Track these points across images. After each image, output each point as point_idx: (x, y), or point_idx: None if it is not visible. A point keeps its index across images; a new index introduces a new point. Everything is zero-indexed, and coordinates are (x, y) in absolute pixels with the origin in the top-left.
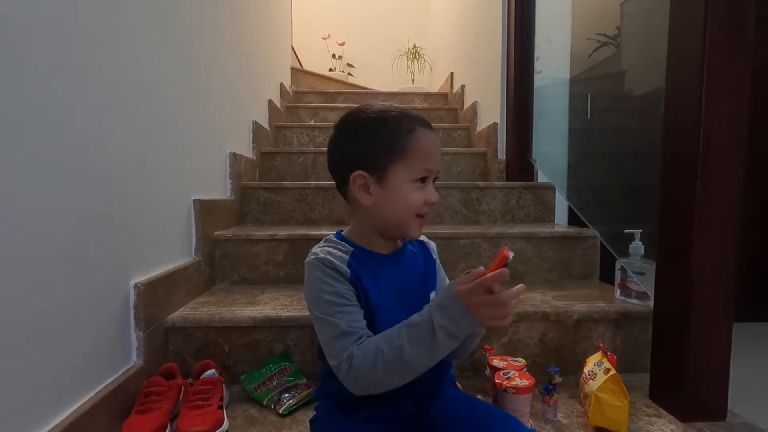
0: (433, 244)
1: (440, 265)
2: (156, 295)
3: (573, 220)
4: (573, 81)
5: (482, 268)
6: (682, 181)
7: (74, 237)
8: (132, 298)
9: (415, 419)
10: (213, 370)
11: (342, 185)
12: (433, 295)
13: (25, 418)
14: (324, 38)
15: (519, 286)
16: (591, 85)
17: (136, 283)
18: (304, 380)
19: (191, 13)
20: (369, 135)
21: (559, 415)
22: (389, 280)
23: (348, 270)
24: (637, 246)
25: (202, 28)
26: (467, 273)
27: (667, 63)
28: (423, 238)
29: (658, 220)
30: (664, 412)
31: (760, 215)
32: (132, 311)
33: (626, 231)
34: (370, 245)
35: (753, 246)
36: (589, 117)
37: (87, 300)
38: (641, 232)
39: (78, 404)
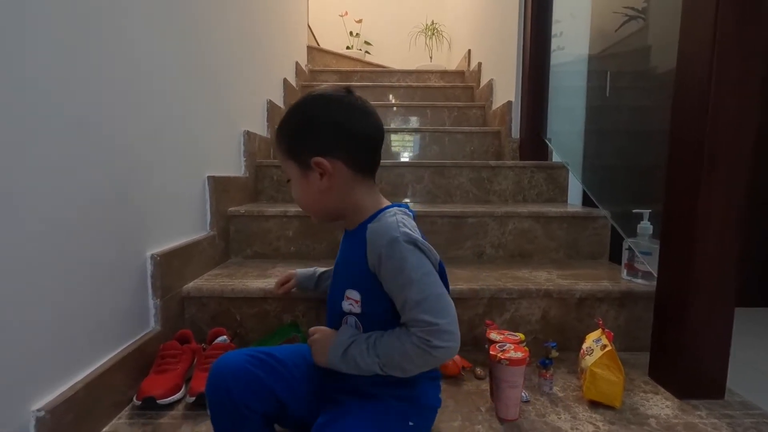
0: (378, 241)
1: (387, 266)
2: (171, 265)
3: (588, 200)
4: (592, 58)
5: None
6: (688, 159)
7: (93, 210)
8: (149, 268)
9: None
10: (225, 336)
11: None
12: (349, 291)
13: (55, 372)
14: (341, 15)
15: None
16: (611, 62)
17: (152, 254)
18: None
19: None
20: None
21: (555, 388)
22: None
23: None
24: (645, 226)
25: (209, 6)
26: None
27: (679, 37)
28: (371, 226)
29: (663, 198)
30: (662, 389)
31: None
32: (149, 280)
33: (634, 211)
34: None
35: None
36: (607, 95)
37: (107, 269)
38: (650, 212)
39: (102, 362)
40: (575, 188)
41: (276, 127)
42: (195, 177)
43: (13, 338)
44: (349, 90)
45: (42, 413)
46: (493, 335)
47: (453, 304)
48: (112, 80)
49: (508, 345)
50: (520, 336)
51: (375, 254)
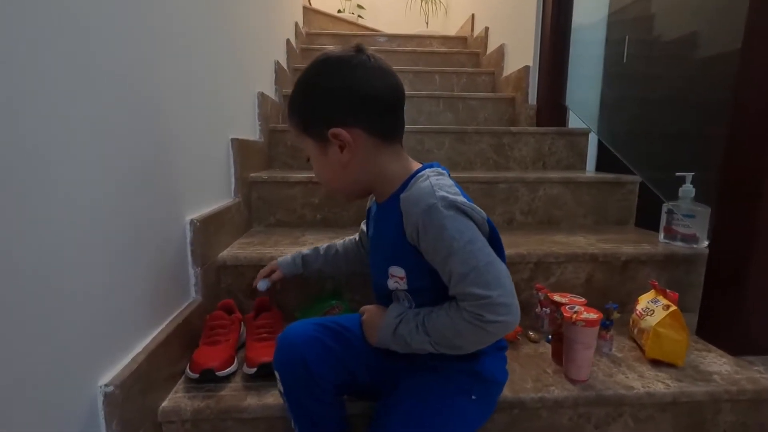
0: (413, 210)
1: (426, 237)
2: (208, 232)
3: (600, 167)
4: (612, 18)
5: None
6: (754, 124)
7: (137, 173)
8: (188, 234)
9: None
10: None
11: None
12: (392, 269)
13: (114, 345)
14: None
15: None
16: (629, 26)
17: (191, 219)
18: None
19: None
20: None
21: (613, 349)
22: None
23: None
24: (687, 189)
25: None
26: None
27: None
28: (405, 195)
29: (723, 162)
30: (713, 348)
31: None
32: (189, 247)
33: (677, 174)
34: None
35: None
36: (625, 60)
37: (152, 235)
38: (693, 175)
39: (155, 333)
40: (590, 155)
41: (287, 105)
42: (219, 139)
43: (73, 314)
44: (359, 48)
45: (110, 388)
46: (557, 298)
47: (507, 272)
48: (145, 31)
49: (577, 307)
50: (582, 298)
51: (412, 225)
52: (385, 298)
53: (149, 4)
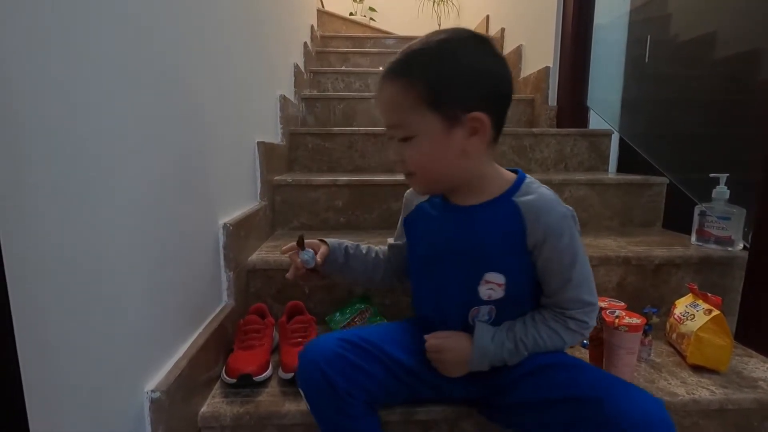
0: (544, 217)
1: (555, 244)
2: (239, 236)
3: (621, 169)
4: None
5: None
6: None
7: (178, 174)
8: (221, 238)
9: None
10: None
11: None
12: (490, 275)
13: (157, 350)
14: None
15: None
16: (649, 25)
17: (224, 223)
18: (385, 321)
19: None
20: None
21: (651, 354)
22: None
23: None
24: (721, 190)
25: None
26: None
27: None
28: (529, 200)
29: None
30: (755, 353)
31: None
32: (222, 251)
33: (711, 175)
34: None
35: None
36: (646, 61)
37: (190, 238)
38: (727, 176)
39: (194, 337)
40: (611, 157)
41: (398, 69)
42: (247, 142)
43: (120, 317)
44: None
45: (157, 394)
46: None
47: None
48: (191, 31)
49: (618, 311)
50: (621, 302)
51: (541, 231)
52: (458, 315)
53: (196, 6)
